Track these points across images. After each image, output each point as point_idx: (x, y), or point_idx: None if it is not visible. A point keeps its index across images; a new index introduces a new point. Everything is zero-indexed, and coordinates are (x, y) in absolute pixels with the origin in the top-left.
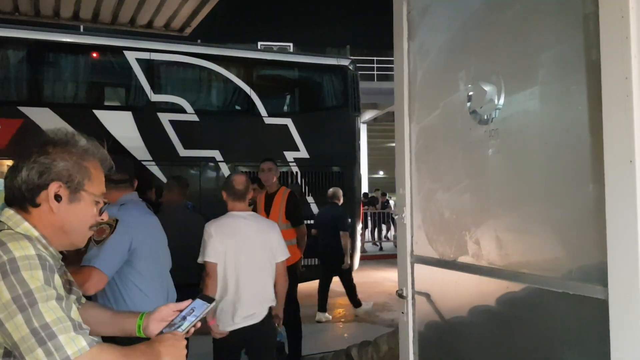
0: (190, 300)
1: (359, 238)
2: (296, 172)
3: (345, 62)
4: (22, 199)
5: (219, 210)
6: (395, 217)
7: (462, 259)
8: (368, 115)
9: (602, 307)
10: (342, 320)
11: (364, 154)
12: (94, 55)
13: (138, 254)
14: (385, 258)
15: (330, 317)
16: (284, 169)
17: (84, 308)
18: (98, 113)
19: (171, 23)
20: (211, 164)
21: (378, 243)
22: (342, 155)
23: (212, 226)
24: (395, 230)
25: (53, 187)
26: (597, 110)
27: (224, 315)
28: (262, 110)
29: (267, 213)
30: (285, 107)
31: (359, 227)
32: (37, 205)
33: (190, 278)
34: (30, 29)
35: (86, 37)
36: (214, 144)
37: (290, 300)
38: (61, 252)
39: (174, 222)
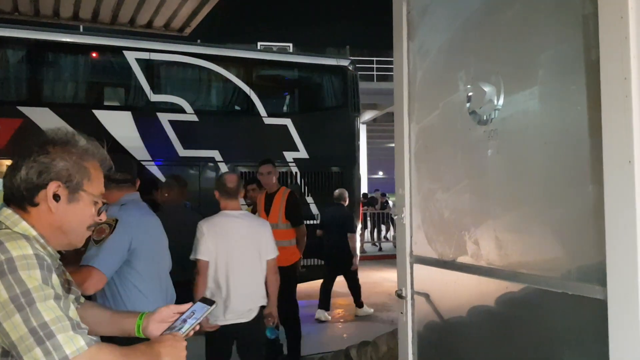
0: (191, 303)
1: (358, 238)
2: (295, 173)
3: (344, 62)
4: (21, 198)
5: (218, 210)
6: (395, 218)
7: (462, 259)
8: (368, 115)
9: (601, 307)
10: (342, 320)
11: (363, 154)
12: (94, 55)
13: (138, 254)
14: (384, 258)
15: (330, 317)
16: (284, 169)
17: (82, 308)
18: (97, 113)
19: (171, 23)
20: (210, 164)
21: (377, 243)
22: (341, 156)
23: (205, 225)
24: (395, 231)
25: (52, 187)
26: (596, 111)
27: (216, 311)
28: (262, 111)
29: (267, 213)
30: (285, 108)
31: (359, 227)
32: (35, 205)
33: (189, 276)
34: (30, 28)
35: (86, 37)
36: (213, 144)
37: (290, 301)
38: (59, 252)
39: (173, 221)
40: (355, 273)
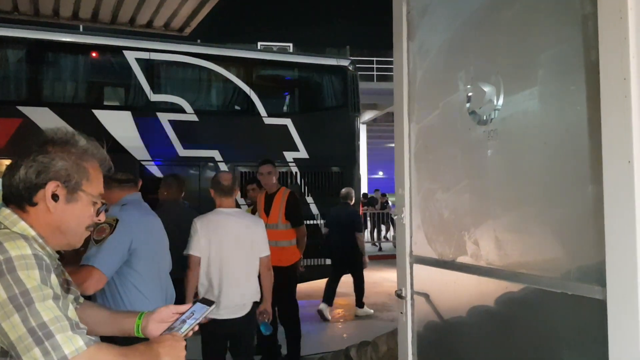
0: (190, 304)
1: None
2: (296, 173)
3: (345, 62)
4: (20, 198)
5: None
6: (395, 218)
7: (461, 259)
8: (368, 115)
9: (600, 308)
10: (341, 320)
11: (363, 154)
12: (94, 55)
13: (138, 254)
14: (384, 258)
15: (330, 315)
16: (284, 169)
17: (82, 308)
18: (97, 113)
19: (171, 23)
20: (210, 163)
21: (377, 243)
22: (341, 156)
23: (199, 221)
24: (395, 231)
25: (50, 187)
26: (595, 111)
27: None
28: (262, 111)
29: (267, 213)
30: (285, 107)
31: None
32: (34, 205)
33: None
34: (29, 28)
35: (86, 37)
36: (213, 144)
37: (290, 301)
38: (58, 252)
39: (172, 219)
40: (361, 272)
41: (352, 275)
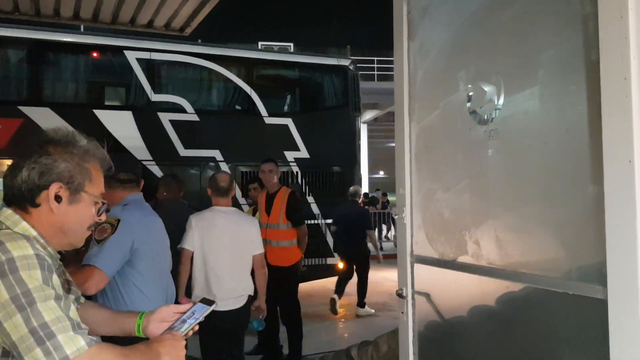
0: (191, 304)
1: None
2: (296, 172)
3: (345, 62)
4: (22, 199)
5: None
6: (395, 217)
7: (462, 258)
8: (368, 115)
9: (601, 307)
10: (343, 320)
11: (364, 154)
12: (95, 54)
13: (139, 254)
14: (385, 258)
15: (339, 308)
16: (285, 169)
17: (83, 308)
18: (98, 113)
19: (171, 23)
20: (211, 163)
21: (378, 243)
22: (342, 155)
23: (194, 219)
24: (395, 230)
25: (54, 188)
26: (596, 111)
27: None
28: (263, 110)
29: (268, 213)
30: (286, 107)
31: None
32: (36, 206)
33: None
34: (30, 28)
35: (86, 37)
36: (214, 143)
37: (291, 300)
38: (59, 252)
39: (171, 219)
40: (366, 272)
41: (357, 274)
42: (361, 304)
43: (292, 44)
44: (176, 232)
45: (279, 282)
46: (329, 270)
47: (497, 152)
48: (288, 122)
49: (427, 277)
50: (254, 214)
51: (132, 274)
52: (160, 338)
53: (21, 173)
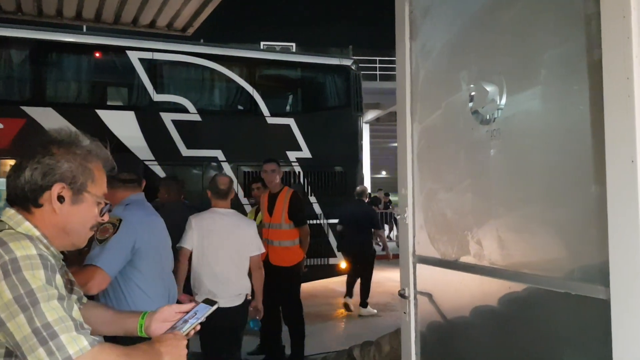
0: (193, 304)
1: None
2: (299, 172)
3: (347, 62)
4: (25, 199)
5: None
6: (397, 217)
7: (464, 259)
8: (371, 115)
9: (604, 308)
10: (345, 320)
11: (366, 154)
12: (97, 55)
13: (141, 254)
14: (387, 258)
15: (352, 306)
16: (287, 169)
17: (85, 308)
18: (101, 113)
19: (174, 23)
20: (214, 163)
21: (380, 243)
22: (344, 155)
23: (194, 219)
24: (398, 230)
25: (56, 188)
26: (598, 111)
27: (201, 299)
28: (265, 110)
29: (270, 213)
30: (288, 107)
31: None
32: (39, 206)
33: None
34: (33, 28)
35: (89, 37)
36: (216, 143)
37: (294, 301)
38: (62, 252)
39: (172, 220)
40: (370, 272)
41: (360, 274)
42: (364, 304)
43: (294, 44)
44: (176, 232)
45: (281, 282)
46: (331, 271)
47: (499, 152)
48: (290, 122)
49: (429, 277)
50: (256, 214)
51: (134, 274)
52: (162, 338)
53: (24, 173)
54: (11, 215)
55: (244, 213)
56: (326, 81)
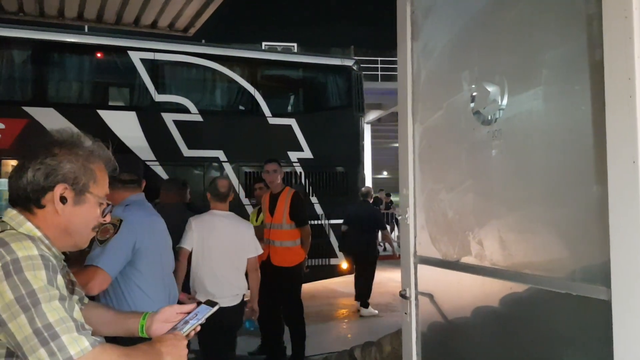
0: (194, 305)
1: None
2: (300, 173)
3: (349, 62)
4: (27, 200)
5: None
6: (399, 218)
7: (466, 259)
8: (372, 115)
9: (605, 308)
10: (346, 320)
11: (367, 154)
12: (99, 55)
13: (141, 254)
14: (388, 259)
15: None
16: (288, 169)
17: (86, 308)
18: (102, 113)
19: (175, 23)
20: (215, 164)
21: (382, 243)
22: (346, 156)
23: (194, 221)
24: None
25: (59, 189)
26: (600, 111)
27: (199, 297)
28: (266, 111)
29: (272, 213)
30: (289, 108)
31: None
32: (42, 207)
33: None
34: (34, 29)
35: (90, 38)
36: (217, 144)
37: (295, 301)
38: (64, 253)
39: (170, 221)
40: (372, 273)
41: (365, 272)
42: (365, 304)
43: (295, 44)
44: (175, 234)
45: (283, 283)
46: (333, 271)
47: (500, 152)
48: (292, 122)
49: (430, 277)
50: (258, 215)
51: (134, 274)
52: (163, 338)
53: (26, 174)
54: (13, 215)
55: (246, 213)
56: (328, 81)
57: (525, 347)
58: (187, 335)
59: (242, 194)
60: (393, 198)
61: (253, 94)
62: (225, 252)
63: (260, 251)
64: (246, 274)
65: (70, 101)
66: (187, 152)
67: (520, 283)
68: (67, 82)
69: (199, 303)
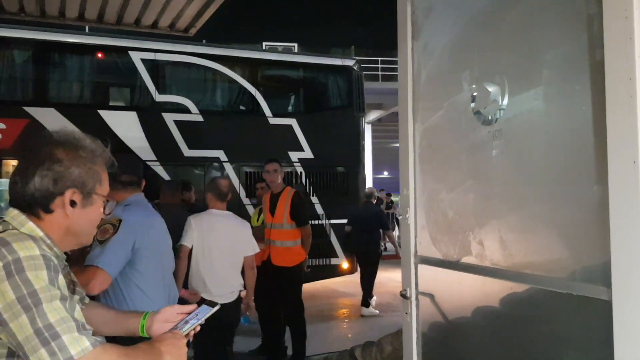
0: (195, 306)
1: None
2: (300, 173)
3: (349, 62)
4: (35, 205)
5: None
6: (399, 218)
7: (466, 259)
8: (372, 115)
9: (605, 308)
10: (347, 320)
11: (368, 154)
12: (99, 55)
13: (141, 254)
14: (389, 258)
15: (375, 308)
16: (289, 169)
17: (87, 308)
18: (103, 113)
19: (176, 23)
20: (216, 164)
21: (383, 243)
22: (346, 156)
23: (193, 219)
24: (400, 231)
25: (68, 194)
26: (601, 111)
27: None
28: (267, 111)
29: (272, 213)
30: (290, 108)
31: None
32: (50, 212)
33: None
34: (35, 29)
35: (91, 38)
36: (218, 144)
37: (295, 301)
38: (65, 252)
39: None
40: (374, 273)
41: (367, 272)
42: (366, 303)
43: (296, 44)
44: (175, 234)
45: (283, 282)
46: (333, 271)
47: (501, 152)
48: (292, 122)
49: (431, 277)
50: (259, 215)
51: (134, 274)
52: (162, 337)
53: (33, 180)
54: (14, 215)
55: (246, 213)
56: (328, 81)
57: (526, 347)
58: (187, 335)
59: (242, 194)
60: (393, 198)
61: (254, 94)
62: (224, 251)
63: (257, 250)
64: (242, 271)
65: (71, 101)
66: (187, 152)
67: (521, 283)
68: (68, 82)
69: (199, 303)
